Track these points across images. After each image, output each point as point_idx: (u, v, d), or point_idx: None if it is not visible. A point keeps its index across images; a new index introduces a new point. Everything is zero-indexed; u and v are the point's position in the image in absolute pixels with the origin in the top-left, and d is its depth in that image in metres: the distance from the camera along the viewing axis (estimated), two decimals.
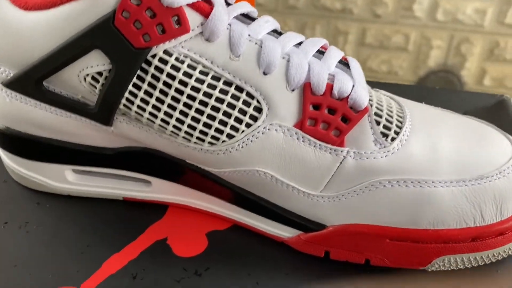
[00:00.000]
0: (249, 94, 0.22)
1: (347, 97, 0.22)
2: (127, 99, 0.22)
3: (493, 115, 0.37)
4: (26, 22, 0.22)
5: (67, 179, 0.28)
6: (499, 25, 0.52)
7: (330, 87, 0.22)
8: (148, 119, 0.23)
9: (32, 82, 0.23)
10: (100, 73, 0.22)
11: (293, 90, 0.22)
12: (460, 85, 0.57)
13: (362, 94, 0.22)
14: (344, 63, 0.24)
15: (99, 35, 0.21)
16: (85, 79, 0.22)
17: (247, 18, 0.24)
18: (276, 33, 0.24)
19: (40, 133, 0.26)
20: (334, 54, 0.24)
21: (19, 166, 0.28)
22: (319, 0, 0.53)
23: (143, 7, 0.20)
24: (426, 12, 0.52)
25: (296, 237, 0.25)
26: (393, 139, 0.23)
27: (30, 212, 0.28)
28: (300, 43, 0.24)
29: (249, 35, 0.22)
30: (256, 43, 0.22)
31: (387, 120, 0.23)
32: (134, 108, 0.23)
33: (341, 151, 0.22)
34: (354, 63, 0.24)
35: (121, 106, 0.23)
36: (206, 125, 0.22)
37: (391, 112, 0.24)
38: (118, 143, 0.26)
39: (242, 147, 0.23)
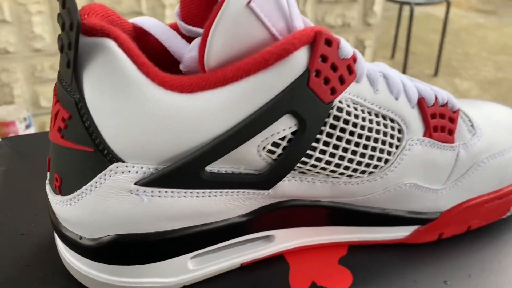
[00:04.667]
0: (391, 120, 0.25)
1: (447, 103, 0.27)
2: (306, 155, 0.23)
3: None
4: (187, 108, 0.20)
5: (188, 268, 0.25)
6: None
7: (436, 98, 0.27)
8: (321, 168, 0.23)
9: (193, 171, 0.21)
10: (283, 138, 0.22)
11: (413, 107, 0.26)
12: None
13: (454, 98, 0.28)
14: None
15: (295, 99, 0.20)
16: (263, 148, 0.22)
17: None
18: None
19: (173, 225, 0.23)
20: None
21: (127, 277, 0.24)
22: None
23: (328, 64, 0.21)
24: None
25: (415, 232, 0.29)
26: (472, 126, 0.29)
27: None
28: None
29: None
30: (381, 76, 0.25)
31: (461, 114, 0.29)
32: (311, 161, 0.23)
33: (456, 146, 0.27)
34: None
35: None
36: (370, 157, 0.24)
37: None
38: (256, 205, 0.25)
39: (396, 167, 0.25)
